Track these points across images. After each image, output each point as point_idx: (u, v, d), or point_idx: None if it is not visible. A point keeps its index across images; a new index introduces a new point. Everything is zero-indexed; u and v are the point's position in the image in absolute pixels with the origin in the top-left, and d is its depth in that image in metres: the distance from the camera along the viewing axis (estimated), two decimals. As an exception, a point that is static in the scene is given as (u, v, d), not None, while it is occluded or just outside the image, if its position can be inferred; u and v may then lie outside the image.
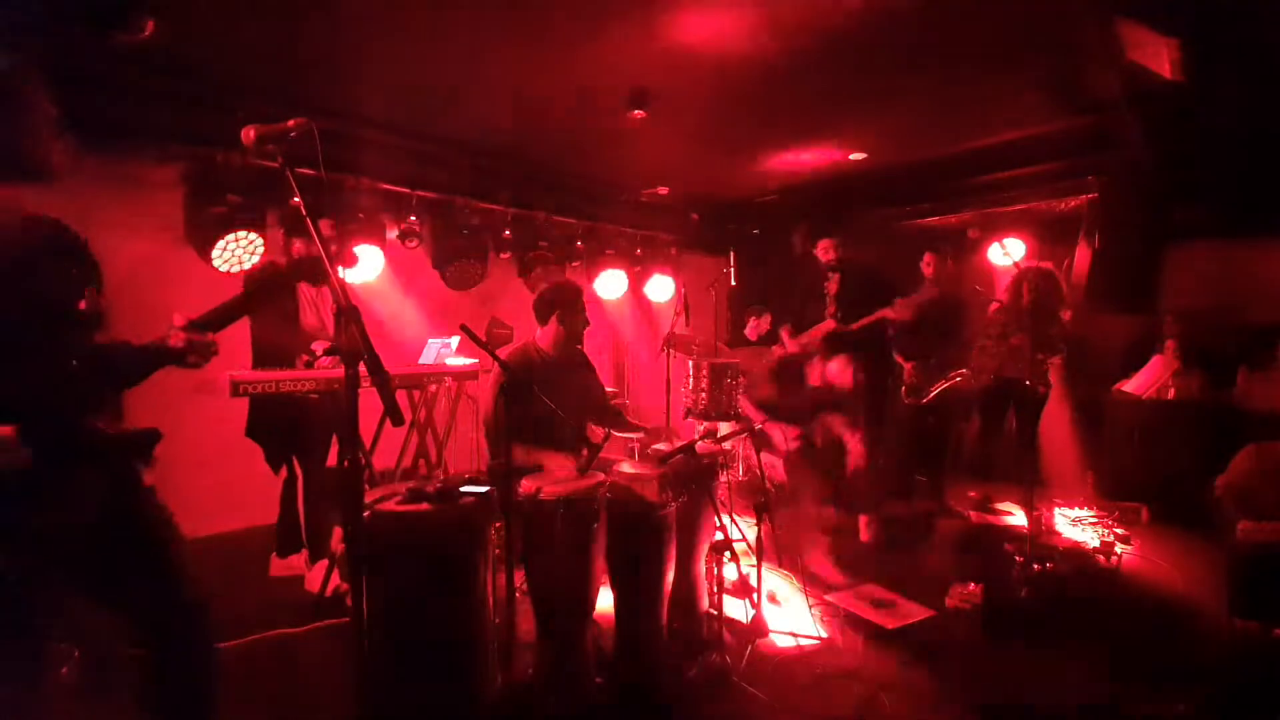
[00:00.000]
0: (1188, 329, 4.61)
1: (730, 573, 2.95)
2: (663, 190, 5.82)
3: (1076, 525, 4.23)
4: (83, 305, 1.44)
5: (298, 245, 3.32)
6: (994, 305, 4.41)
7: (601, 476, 2.44)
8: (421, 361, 3.90)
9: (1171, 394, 4.59)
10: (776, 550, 3.43)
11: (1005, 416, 4.38)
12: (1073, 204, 4.81)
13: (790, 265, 4.31)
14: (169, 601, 1.59)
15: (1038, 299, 3.91)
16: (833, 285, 4.15)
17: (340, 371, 1.41)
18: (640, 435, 3.19)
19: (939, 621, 2.98)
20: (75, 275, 1.47)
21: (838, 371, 4.14)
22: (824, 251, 4.20)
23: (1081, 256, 4.71)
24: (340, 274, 1.41)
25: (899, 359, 4.46)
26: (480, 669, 2.25)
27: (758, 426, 4.57)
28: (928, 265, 4.47)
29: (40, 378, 1.36)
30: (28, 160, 1.41)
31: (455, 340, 3.96)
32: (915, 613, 3.05)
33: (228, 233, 3.54)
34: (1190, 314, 4.62)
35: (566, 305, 2.87)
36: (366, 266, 4.29)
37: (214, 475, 3.67)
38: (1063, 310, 4.00)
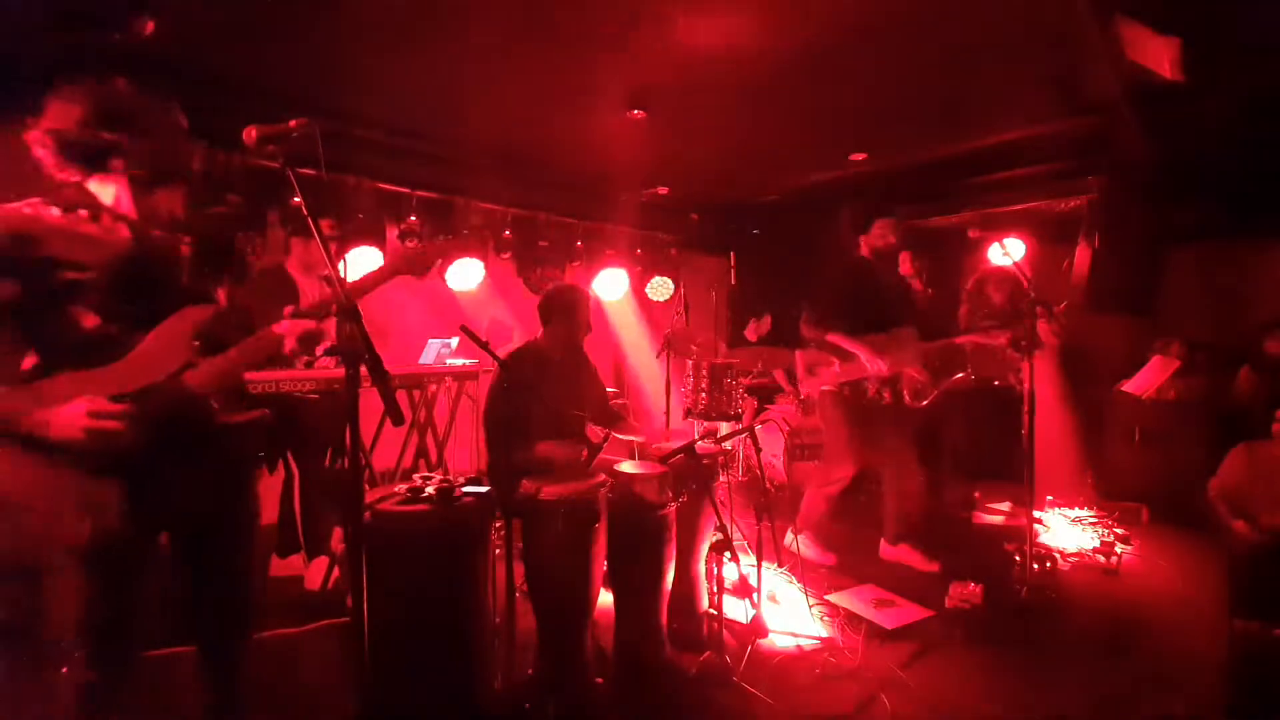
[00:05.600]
0: (1191, 329, 4.62)
1: (730, 573, 2.95)
2: (663, 190, 5.82)
3: (1076, 525, 4.24)
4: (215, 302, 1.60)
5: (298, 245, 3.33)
6: (962, 309, 4.44)
7: (602, 476, 2.44)
8: (421, 361, 3.90)
9: (1171, 394, 4.59)
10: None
11: (994, 417, 4.39)
12: (1073, 204, 4.81)
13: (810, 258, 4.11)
14: (243, 592, 1.71)
15: (1007, 300, 3.94)
16: (890, 275, 3.75)
17: (340, 371, 1.41)
18: (641, 439, 3.19)
19: (939, 621, 2.98)
20: (210, 274, 1.63)
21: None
22: (880, 235, 3.64)
23: (1081, 256, 4.71)
24: (341, 273, 1.42)
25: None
26: (480, 669, 2.25)
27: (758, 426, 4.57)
28: (905, 264, 4.44)
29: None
30: (181, 167, 1.59)
31: (455, 340, 3.96)
32: (915, 613, 3.05)
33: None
34: (1194, 314, 4.63)
35: (571, 309, 2.87)
36: (366, 266, 4.29)
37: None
38: (1030, 307, 3.53)
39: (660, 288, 5.91)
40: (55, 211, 1.40)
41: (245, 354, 1.51)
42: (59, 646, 1.39)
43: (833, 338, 3.59)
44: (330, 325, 1.57)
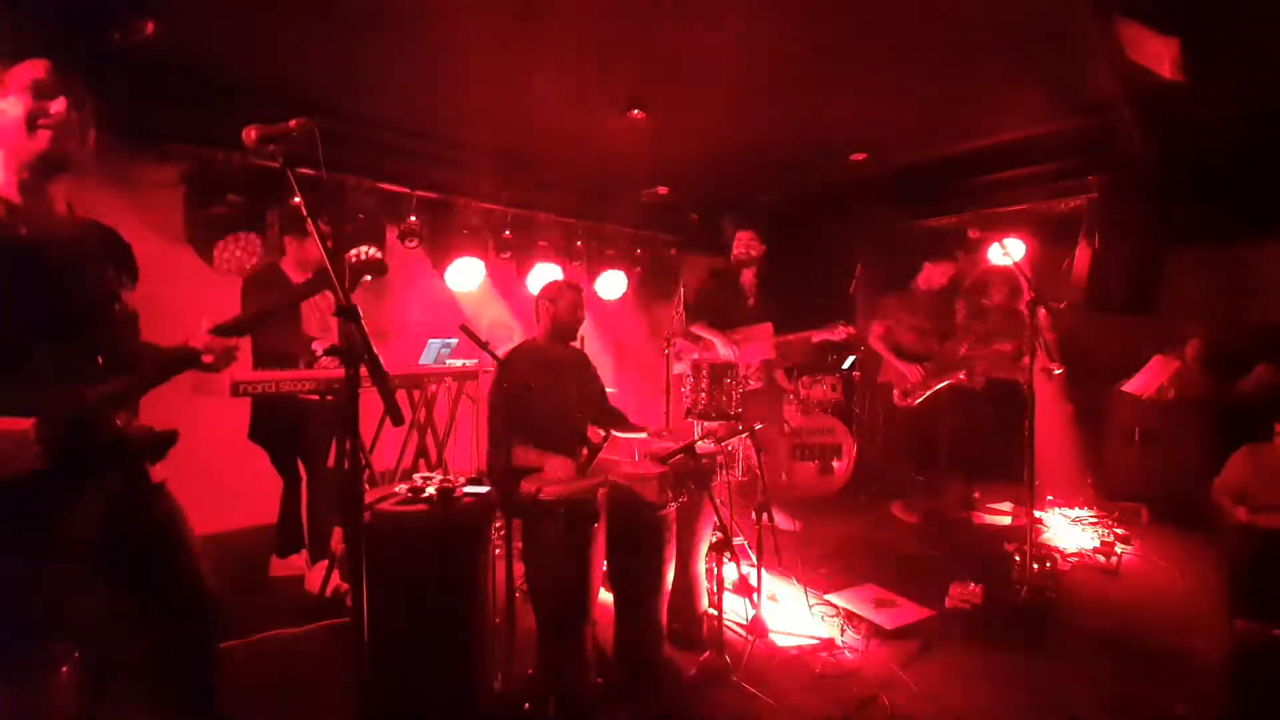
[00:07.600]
0: (1192, 329, 4.62)
1: (730, 573, 2.95)
2: (663, 190, 5.82)
3: (1076, 525, 4.24)
4: (117, 307, 1.51)
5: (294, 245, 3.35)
6: (960, 308, 4.50)
7: (602, 476, 2.44)
8: (421, 361, 3.89)
9: (1171, 394, 4.59)
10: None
11: (1001, 417, 4.39)
12: (1073, 204, 4.81)
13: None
14: (180, 597, 1.62)
15: (1006, 300, 4.02)
16: (748, 280, 4.31)
17: (340, 371, 1.40)
18: (642, 436, 3.19)
19: (939, 621, 2.98)
20: (112, 277, 1.53)
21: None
22: (740, 245, 4.27)
23: (1081, 256, 4.71)
24: (341, 274, 1.41)
25: (895, 361, 4.47)
26: (480, 669, 2.25)
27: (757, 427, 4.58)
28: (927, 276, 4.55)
29: (66, 374, 1.39)
30: (73, 157, 1.48)
31: (455, 340, 3.95)
32: (915, 613, 3.05)
33: (227, 234, 3.54)
34: (1194, 314, 4.63)
35: (557, 300, 2.89)
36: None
37: (214, 475, 3.65)
38: (1030, 307, 3.37)
39: (611, 284, 5.88)
40: None
41: (160, 368, 1.48)
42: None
43: (695, 328, 4.20)
44: (244, 342, 1.59)
